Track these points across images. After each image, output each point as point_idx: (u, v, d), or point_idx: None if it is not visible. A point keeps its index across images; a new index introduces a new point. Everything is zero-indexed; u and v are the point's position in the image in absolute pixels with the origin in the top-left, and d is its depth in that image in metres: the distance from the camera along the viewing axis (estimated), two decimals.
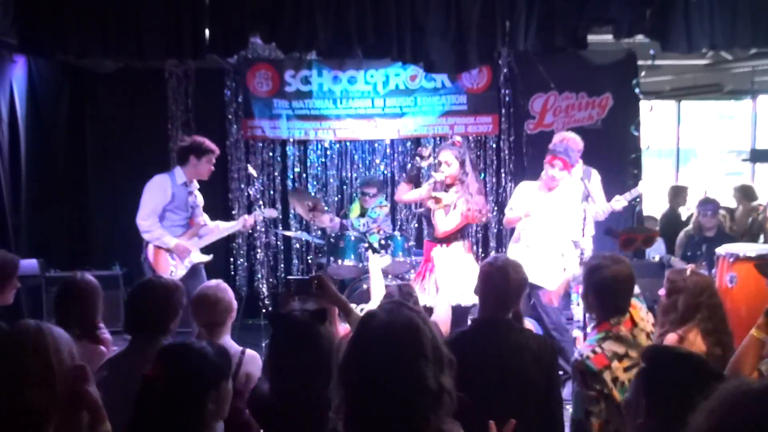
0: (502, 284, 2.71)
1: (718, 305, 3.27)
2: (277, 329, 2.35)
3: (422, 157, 4.85)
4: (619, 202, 5.18)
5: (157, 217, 5.00)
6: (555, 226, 4.88)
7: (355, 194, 6.96)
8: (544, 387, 2.63)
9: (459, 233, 4.82)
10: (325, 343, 2.28)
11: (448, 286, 4.62)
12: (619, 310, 2.81)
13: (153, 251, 5.02)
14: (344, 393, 1.69)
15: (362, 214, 6.51)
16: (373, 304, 3.53)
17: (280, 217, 7.12)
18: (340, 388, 1.70)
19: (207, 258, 5.25)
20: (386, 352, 1.65)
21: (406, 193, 5.05)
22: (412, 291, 3.46)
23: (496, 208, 7.07)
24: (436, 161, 4.78)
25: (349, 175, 7.18)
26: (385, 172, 7.16)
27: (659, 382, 1.83)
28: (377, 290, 3.67)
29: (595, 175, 5.42)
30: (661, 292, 3.43)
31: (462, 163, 4.74)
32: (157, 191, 5.00)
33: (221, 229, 5.39)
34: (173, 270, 4.99)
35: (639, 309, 2.96)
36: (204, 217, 5.31)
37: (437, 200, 4.68)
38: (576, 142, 5.11)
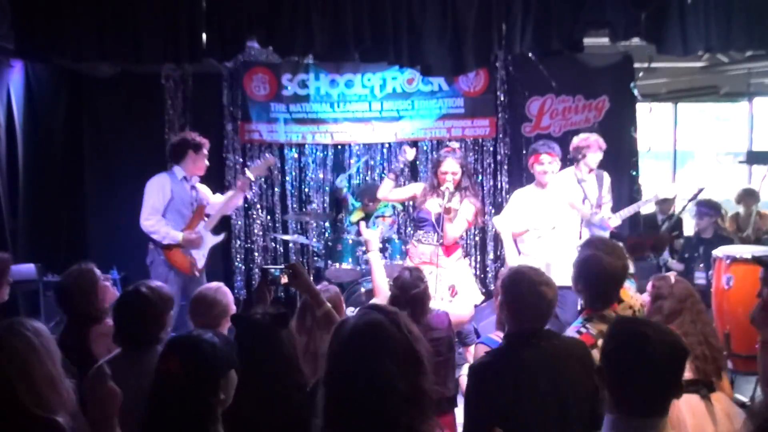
0: (533, 295, 2.52)
1: (702, 311, 3.35)
2: (238, 331, 2.37)
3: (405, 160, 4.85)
4: (637, 206, 5.25)
5: (160, 215, 4.98)
6: (556, 222, 4.89)
7: (352, 204, 6.97)
8: (593, 390, 2.40)
9: (459, 238, 4.88)
10: (286, 347, 2.30)
11: (467, 289, 4.69)
12: (607, 301, 2.85)
13: (165, 253, 4.99)
14: (325, 398, 1.73)
15: (364, 219, 6.52)
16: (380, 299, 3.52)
17: (279, 220, 7.13)
18: (323, 393, 1.74)
19: (220, 237, 5.25)
20: (352, 353, 1.69)
21: (390, 191, 5.03)
22: (422, 275, 3.45)
23: (493, 211, 7.08)
24: (439, 173, 4.74)
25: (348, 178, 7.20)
26: (382, 176, 7.17)
27: (611, 351, 1.89)
28: (382, 284, 3.63)
29: (607, 178, 5.42)
30: (645, 297, 3.44)
31: (464, 169, 4.75)
32: (155, 189, 4.99)
33: (222, 203, 5.30)
34: (192, 262, 4.99)
35: (628, 289, 3.00)
36: (215, 198, 5.30)
37: (448, 210, 4.61)
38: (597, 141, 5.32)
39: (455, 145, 5.00)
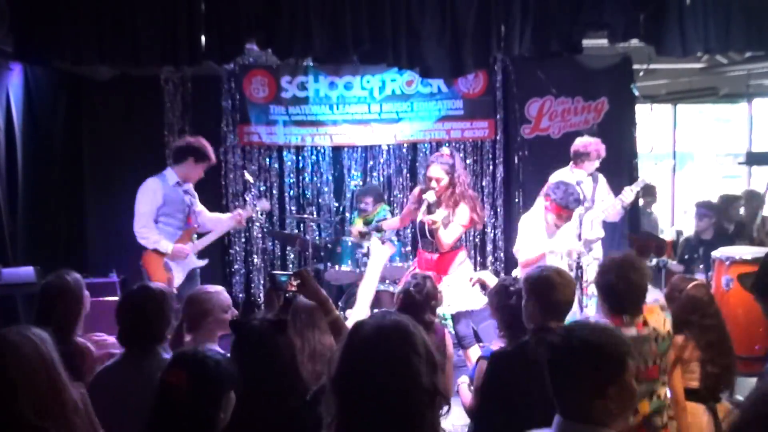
0: (548, 293, 2.71)
1: (711, 326, 3.21)
2: (236, 337, 2.37)
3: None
4: (627, 194, 5.17)
5: (153, 221, 4.95)
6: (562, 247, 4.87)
7: (354, 209, 6.95)
8: None
9: (458, 242, 4.83)
10: (284, 354, 2.29)
11: (465, 294, 4.73)
12: (624, 310, 2.84)
13: (146, 258, 4.98)
14: (338, 403, 1.70)
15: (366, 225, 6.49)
16: (359, 307, 3.40)
17: (277, 221, 7.13)
18: (334, 398, 1.71)
19: (203, 262, 5.22)
20: (378, 353, 1.68)
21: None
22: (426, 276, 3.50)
23: (492, 213, 7.08)
24: (426, 178, 4.71)
25: (346, 180, 7.21)
26: (381, 178, 7.18)
27: (554, 361, 1.87)
28: (365, 299, 3.33)
29: (602, 179, 5.44)
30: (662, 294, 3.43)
31: (452, 174, 4.67)
32: (147, 195, 4.96)
33: (217, 225, 5.32)
34: (170, 279, 4.92)
35: (658, 314, 2.91)
36: (203, 212, 5.29)
37: (434, 222, 4.57)
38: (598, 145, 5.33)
39: (446, 151, 4.88)
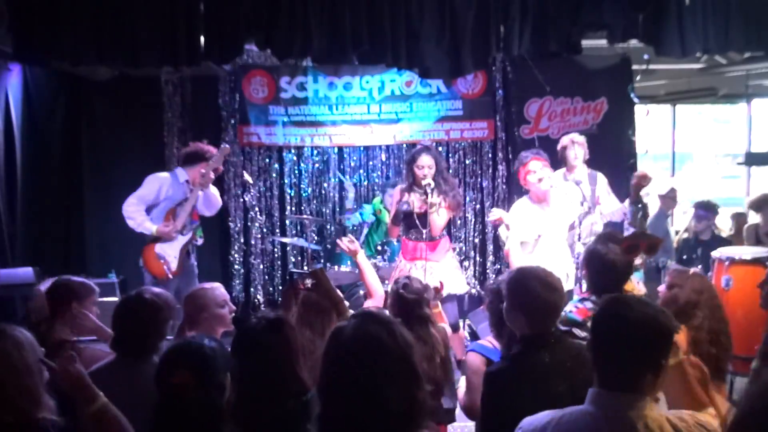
0: (545, 295, 2.49)
1: (717, 306, 3.25)
2: (236, 334, 2.40)
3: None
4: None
5: (144, 206, 4.99)
6: (555, 238, 4.87)
7: (378, 192, 6.96)
8: None
9: (444, 229, 5.15)
10: (278, 353, 2.29)
11: (451, 282, 4.96)
12: (607, 292, 2.81)
13: (144, 254, 5.02)
14: (320, 404, 1.72)
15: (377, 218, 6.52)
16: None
17: (278, 222, 7.13)
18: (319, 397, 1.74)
19: (189, 236, 5.16)
20: (346, 368, 1.66)
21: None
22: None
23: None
24: (417, 167, 4.94)
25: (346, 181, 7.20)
26: (381, 179, 7.18)
27: (595, 323, 1.92)
28: (375, 285, 3.61)
29: (601, 179, 5.42)
30: (661, 288, 3.43)
31: (439, 163, 4.99)
32: (153, 185, 5.03)
33: (206, 203, 5.29)
34: (165, 265, 4.97)
35: (634, 280, 2.99)
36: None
37: (432, 204, 4.87)
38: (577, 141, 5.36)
39: (427, 142, 5.28)
